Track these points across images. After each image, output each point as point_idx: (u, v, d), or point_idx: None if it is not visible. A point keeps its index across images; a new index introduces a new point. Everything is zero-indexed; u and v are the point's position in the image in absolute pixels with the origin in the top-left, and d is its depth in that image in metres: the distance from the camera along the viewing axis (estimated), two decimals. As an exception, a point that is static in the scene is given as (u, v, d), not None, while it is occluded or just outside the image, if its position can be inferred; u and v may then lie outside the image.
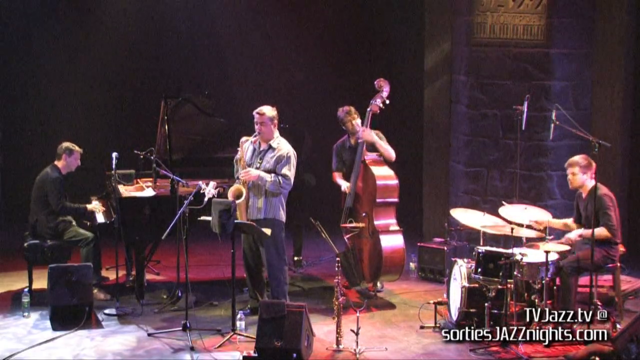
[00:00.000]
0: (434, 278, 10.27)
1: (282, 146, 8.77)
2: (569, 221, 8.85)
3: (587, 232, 8.46)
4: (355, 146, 9.57)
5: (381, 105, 9.51)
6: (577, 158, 8.65)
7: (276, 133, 8.82)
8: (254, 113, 8.73)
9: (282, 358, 7.71)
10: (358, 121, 9.51)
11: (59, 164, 9.55)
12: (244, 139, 8.82)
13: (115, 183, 9.45)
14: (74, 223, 9.57)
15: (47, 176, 9.45)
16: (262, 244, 8.76)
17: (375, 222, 9.38)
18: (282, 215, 8.79)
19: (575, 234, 8.58)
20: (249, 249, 8.93)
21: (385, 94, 9.51)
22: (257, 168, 8.75)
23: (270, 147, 8.77)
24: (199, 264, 10.49)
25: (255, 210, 8.71)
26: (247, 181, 8.68)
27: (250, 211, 8.71)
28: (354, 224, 9.53)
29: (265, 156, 8.76)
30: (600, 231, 8.41)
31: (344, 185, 9.59)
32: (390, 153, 9.51)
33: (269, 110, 8.73)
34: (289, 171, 8.71)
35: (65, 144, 9.59)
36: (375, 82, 9.57)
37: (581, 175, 8.60)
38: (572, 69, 10.60)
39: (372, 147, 9.57)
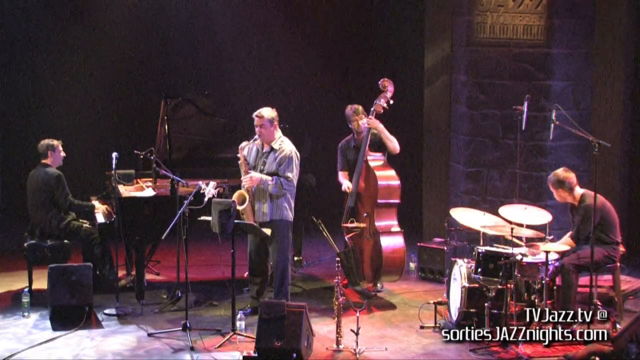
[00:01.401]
0: (434, 278, 10.27)
1: (284, 147, 8.78)
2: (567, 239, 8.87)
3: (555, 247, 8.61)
4: (359, 145, 9.56)
5: (385, 105, 9.51)
6: (549, 179, 8.74)
7: (278, 134, 8.83)
8: (254, 116, 8.74)
9: (282, 358, 7.71)
10: (365, 121, 9.50)
11: (48, 161, 9.51)
12: (242, 144, 8.83)
13: (115, 183, 9.45)
14: (81, 222, 9.57)
15: (47, 175, 9.41)
16: (270, 244, 8.77)
17: (377, 223, 9.38)
18: (289, 215, 8.80)
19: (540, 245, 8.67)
20: (255, 249, 8.93)
21: (389, 94, 9.52)
22: (261, 170, 8.77)
23: (272, 148, 8.78)
24: (199, 264, 10.49)
25: (262, 215, 8.74)
26: (251, 187, 8.70)
27: (257, 215, 8.74)
28: (355, 224, 9.53)
29: (268, 158, 8.78)
30: (566, 244, 8.60)
31: (345, 184, 9.58)
32: (395, 145, 9.51)
33: (267, 112, 8.73)
34: (291, 172, 8.72)
35: (45, 142, 9.54)
36: (379, 82, 9.57)
37: (556, 192, 8.70)
38: (572, 69, 10.59)
39: (376, 146, 9.55)
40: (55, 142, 9.56)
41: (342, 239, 9.66)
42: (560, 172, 8.70)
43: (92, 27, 12.50)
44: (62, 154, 9.61)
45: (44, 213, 9.40)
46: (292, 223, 8.92)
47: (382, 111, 9.53)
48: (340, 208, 9.74)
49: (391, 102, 9.52)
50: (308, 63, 12.52)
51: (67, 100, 12.56)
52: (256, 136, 8.76)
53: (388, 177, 9.43)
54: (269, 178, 8.66)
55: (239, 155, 8.82)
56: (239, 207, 8.57)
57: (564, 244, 8.69)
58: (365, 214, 9.48)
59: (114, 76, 12.58)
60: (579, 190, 8.65)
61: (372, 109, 9.52)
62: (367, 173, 9.48)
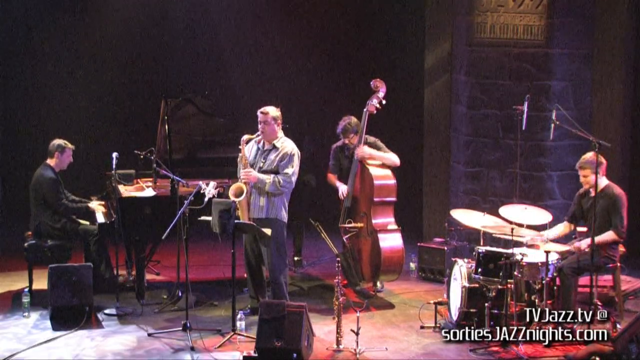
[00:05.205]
0: (434, 278, 10.26)
1: (286, 145, 8.78)
2: (564, 225, 8.84)
3: (596, 239, 8.37)
4: (351, 155, 9.56)
5: (378, 105, 9.52)
6: (589, 158, 8.52)
7: (280, 133, 8.83)
8: (258, 112, 8.74)
9: (282, 358, 7.71)
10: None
11: (51, 162, 9.48)
12: (245, 137, 8.81)
13: (115, 183, 9.45)
14: (79, 220, 9.57)
15: (41, 178, 9.38)
16: (264, 244, 8.76)
17: (374, 221, 9.38)
18: (284, 216, 8.79)
19: (585, 243, 8.50)
20: (251, 249, 8.93)
21: (381, 94, 9.51)
22: (261, 168, 8.76)
23: (274, 146, 8.78)
24: (199, 264, 10.48)
25: (257, 209, 8.72)
26: (248, 182, 8.69)
27: (252, 210, 8.72)
28: (352, 224, 9.53)
29: (269, 156, 8.77)
30: (609, 236, 8.44)
31: (341, 189, 9.58)
32: (394, 160, 9.50)
33: (272, 110, 8.74)
34: (291, 169, 8.70)
35: (58, 141, 9.50)
36: (371, 83, 9.57)
37: (593, 176, 8.55)
38: (572, 69, 10.59)
39: (373, 147, 9.55)
40: (68, 146, 9.50)
41: (340, 239, 9.66)
42: (595, 155, 8.41)
43: (92, 27, 12.49)
44: (70, 159, 9.55)
45: (39, 213, 9.40)
46: (288, 224, 8.90)
47: (375, 111, 9.54)
48: (338, 209, 9.74)
49: (384, 102, 9.52)
50: (308, 63, 12.52)
51: (67, 100, 12.55)
52: (259, 132, 8.76)
53: (383, 177, 9.43)
54: (266, 177, 8.65)
55: (240, 147, 8.79)
56: (236, 199, 8.53)
57: (561, 232, 8.71)
58: (362, 214, 9.48)
59: (114, 76, 12.59)
60: (605, 179, 8.60)
61: (365, 109, 9.51)
62: (363, 173, 9.48)
